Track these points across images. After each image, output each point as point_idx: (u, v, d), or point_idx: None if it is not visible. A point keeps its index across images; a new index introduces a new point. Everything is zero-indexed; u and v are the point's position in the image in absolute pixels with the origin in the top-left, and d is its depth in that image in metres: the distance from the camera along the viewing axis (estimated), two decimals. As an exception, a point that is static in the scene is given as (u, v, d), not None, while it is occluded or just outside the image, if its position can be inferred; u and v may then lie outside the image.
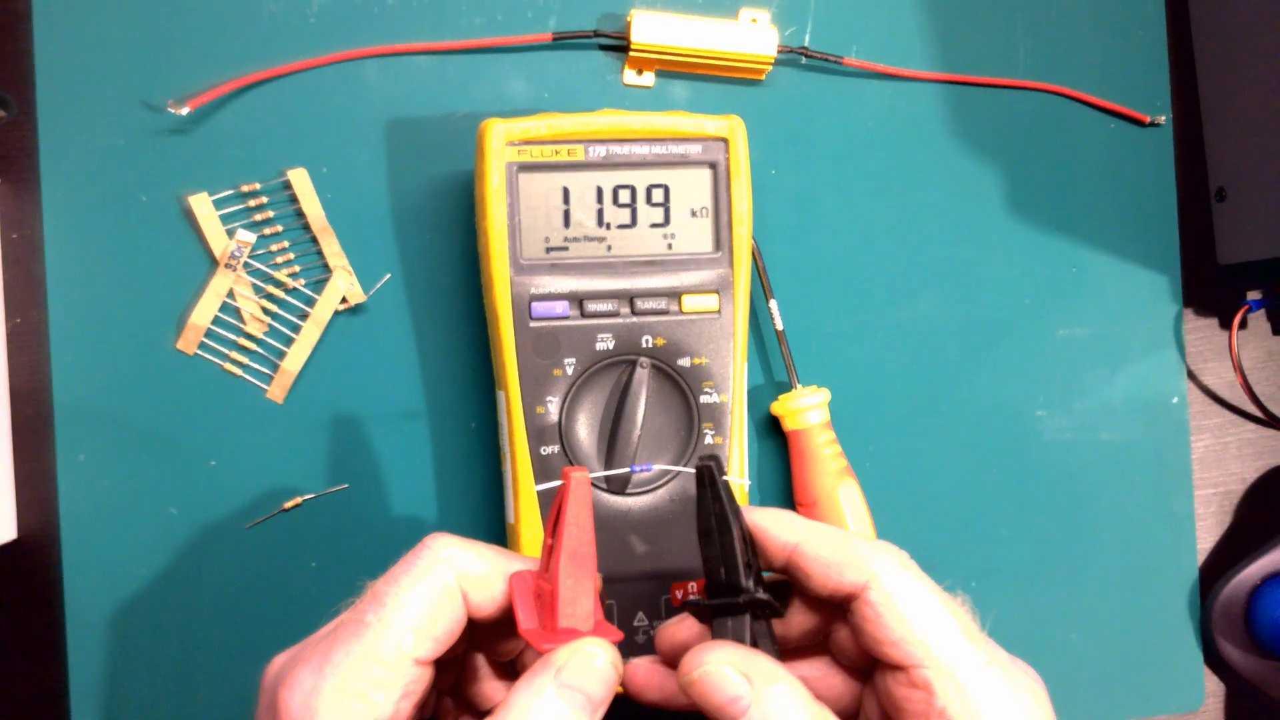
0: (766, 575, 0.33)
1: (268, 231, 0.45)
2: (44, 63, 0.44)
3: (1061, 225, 0.52)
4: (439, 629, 0.30)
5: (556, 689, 0.29)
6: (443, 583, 0.30)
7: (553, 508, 0.31)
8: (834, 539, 0.32)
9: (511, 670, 0.35)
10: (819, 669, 0.34)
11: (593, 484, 0.40)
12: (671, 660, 0.34)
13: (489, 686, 0.35)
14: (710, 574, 0.32)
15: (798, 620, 0.34)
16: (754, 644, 0.31)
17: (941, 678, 0.29)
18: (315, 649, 0.29)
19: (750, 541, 0.32)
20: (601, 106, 0.43)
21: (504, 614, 0.31)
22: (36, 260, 0.44)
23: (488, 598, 0.31)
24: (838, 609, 0.32)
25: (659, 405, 0.42)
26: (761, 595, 0.31)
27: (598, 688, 0.29)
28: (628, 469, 0.40)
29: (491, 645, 0.34)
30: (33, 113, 0.44)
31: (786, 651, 0.34)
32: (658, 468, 0.41)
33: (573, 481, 0.30)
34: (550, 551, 0.31)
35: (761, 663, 0.30)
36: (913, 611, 0.30)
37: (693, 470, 0.39)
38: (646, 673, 0.34)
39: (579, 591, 0.30)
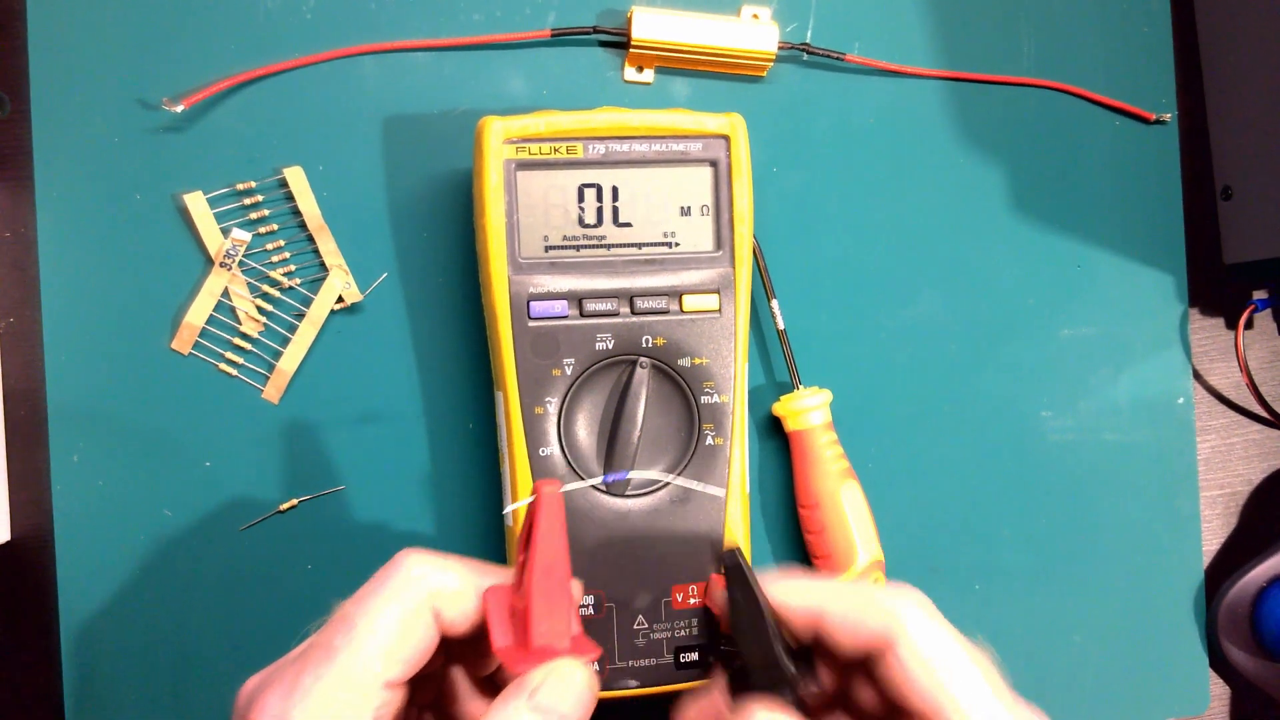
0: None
1: (263, 230, 0.44)
2: (38, 60, 0.43)
3: (1066, 224, 0.51)
4: (409, 651, 0.29)
5: (530, 711, 0.28)
6: (413, 602, 0.30)
7: (525, 522, 0.31)
8: (854, 595, 0.32)
9: (492, 685, 0.35)
10: None
11: (592, 487, 0.40)
12: None
13: (470, 703, 0.35)
14: (752, 667, 0.32)
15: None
16: None
17: None
18: (285, 673, 0.29)
19: (776, 619, 0.32)
20: (601, 104, 0.42)
21: (480, 630, 0.31)
22: (30, 259, 0.44)
23: (461, 615, 0.30)
24: (859, 666, 0.32)
25: (659, 406, 0.41)
26: (813, 687, 0.31)
27: (573, 708, 0.29)
28: (600, 478, 0.39)
29: (469, 660, 0.34)
30: (27, 111, 0.43)
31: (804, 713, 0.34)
32: (631, 475, 0.40)
33: (543, 496, 0.30)
34: (523, 567, 0.30)
35: None
36: (941, 666, 0.30)
37: (673, 479, 0.39)
38: None
39: (553, 609, 0.30)
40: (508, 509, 0.36)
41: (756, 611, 0.32)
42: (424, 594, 0.30)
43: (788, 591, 0.32)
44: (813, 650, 0.33)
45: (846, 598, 0.32)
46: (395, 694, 0.29)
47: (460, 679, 0.34)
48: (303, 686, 0.28)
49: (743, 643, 0.32)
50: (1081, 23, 0.52)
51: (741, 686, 0.32)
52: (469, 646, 0.33)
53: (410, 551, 0.31)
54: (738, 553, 0.33)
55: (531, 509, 0.30)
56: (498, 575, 0.31)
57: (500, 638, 0.30)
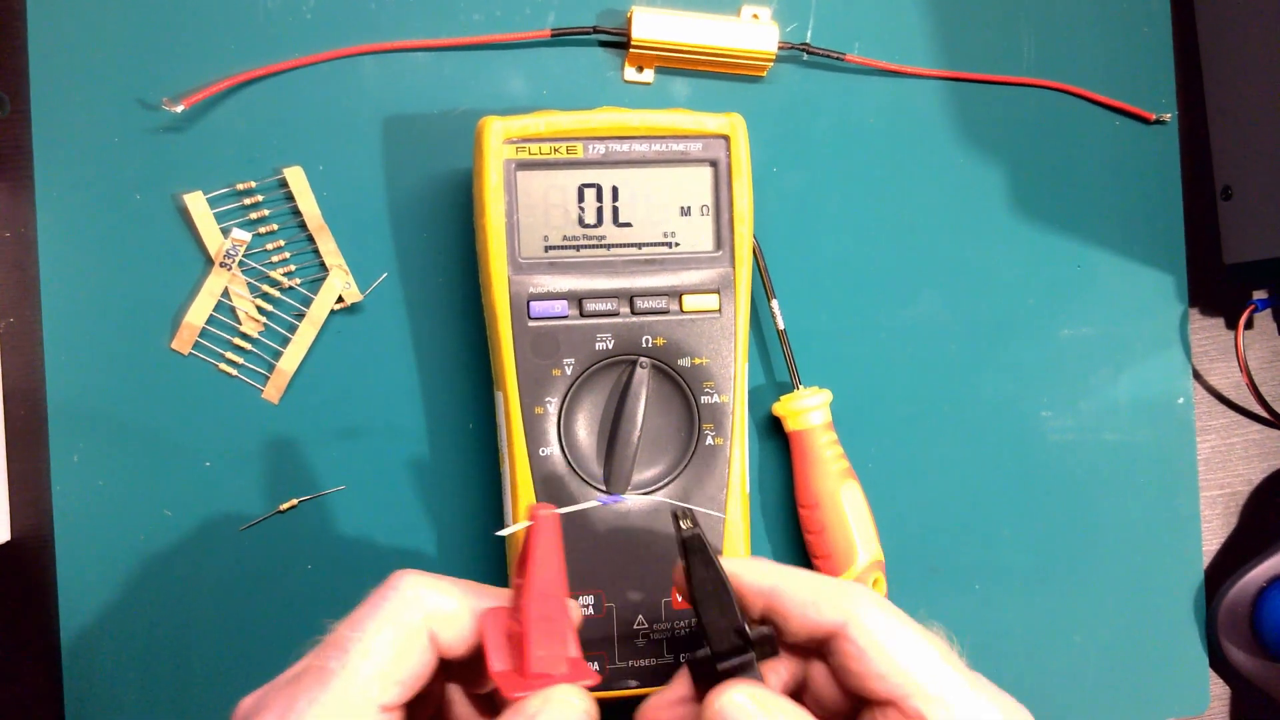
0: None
1: (263, 230, 0.44)
2: (38, 60, 0.43)
3: (1066, 224, 0.51)
4: (405, 673, 0.29)
5: None
6: (408, 625, 0.29)
7: (521, 546, 0.30)
8: (809, 580, 0.32)
9: (491, 704, 0.35)
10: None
11: (594, 488, 0.40)
12: None
13: None
14: (715, 638, 0.31)
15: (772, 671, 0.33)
16: None
17: (931, 705, 0.29)
18: (279, 696, 0.29)
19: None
20: (601, 104, 0.42)
21: (477, 651, 0.31)
22: (30, 259, 0.44)
23: (458, 637, 0.30)
24: (813, 653, 0.32)
25: (659, 406, 0.41)
26: (776, 647, 0.31)
27: None
28: (595, 501, 0.39)
29: (468, 679, 0.33)
30: (27, 111, 0.43)
31: None
32: (626, 498, 0.40)
33: (539, 521, 0.30)
34: (520, 591, 0.30)
35: (786, 706, 0.30)
36: (894, 644, 0.30)
37: (663, 500, 0.39)
38: None
39: (550, 635, 0.29)
40: (501, 533, 0.36)
41: (717, 578, 0.31)
42: (420, 616, 0.29)
43: (743, 568, 0.33)
44: (771, 634, 0.33)
45: (802, 580, 0.32)
46: (392, 717, 0.29)
47: (459, 698, 0.34)
48: (297, 710, 0.28)
49: (703, 610, 0.32)
50: (1081, 23, 0.52)
51: (703, 672, 0.32)
52: (467, 665, 0.32)
53: (405, 573, 0.30)
54: (693, 520, 0.32)
55: (528, 533, 0.30)
56: (495, 597, 0.31)
57: (497, 662, 0.30)
